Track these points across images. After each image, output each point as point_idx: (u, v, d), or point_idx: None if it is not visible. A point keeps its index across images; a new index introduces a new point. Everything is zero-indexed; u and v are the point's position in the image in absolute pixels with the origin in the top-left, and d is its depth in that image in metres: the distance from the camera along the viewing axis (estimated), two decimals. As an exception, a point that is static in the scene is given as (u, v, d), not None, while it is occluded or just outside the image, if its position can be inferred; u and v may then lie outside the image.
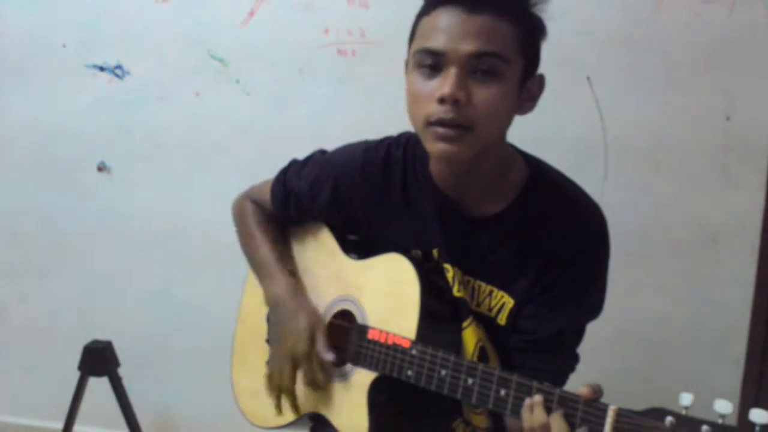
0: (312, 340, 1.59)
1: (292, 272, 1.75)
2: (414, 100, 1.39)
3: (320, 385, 1.59)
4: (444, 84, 1.33)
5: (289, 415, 1.69)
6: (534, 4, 1.40)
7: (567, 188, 1.52)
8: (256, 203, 1.82)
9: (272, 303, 1.71)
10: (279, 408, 1.67)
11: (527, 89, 1.42)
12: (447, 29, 1.33)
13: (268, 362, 1.73)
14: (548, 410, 1.23)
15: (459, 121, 1.34)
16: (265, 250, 1.76)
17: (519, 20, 1.36)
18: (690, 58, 2.28)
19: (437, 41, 1.34)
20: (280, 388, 1.65)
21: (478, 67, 1.33)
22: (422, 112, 1.37)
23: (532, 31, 1.39)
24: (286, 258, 1.77)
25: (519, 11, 1.36)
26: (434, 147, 1.37)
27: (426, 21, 1.37)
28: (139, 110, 2.66)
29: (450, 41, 1.33)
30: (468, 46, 1.32)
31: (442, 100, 1.33)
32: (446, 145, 1.36)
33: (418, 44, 1.38)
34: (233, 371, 1.88)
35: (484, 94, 1.34)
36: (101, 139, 2.71)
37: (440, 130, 1.35)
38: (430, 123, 1.35)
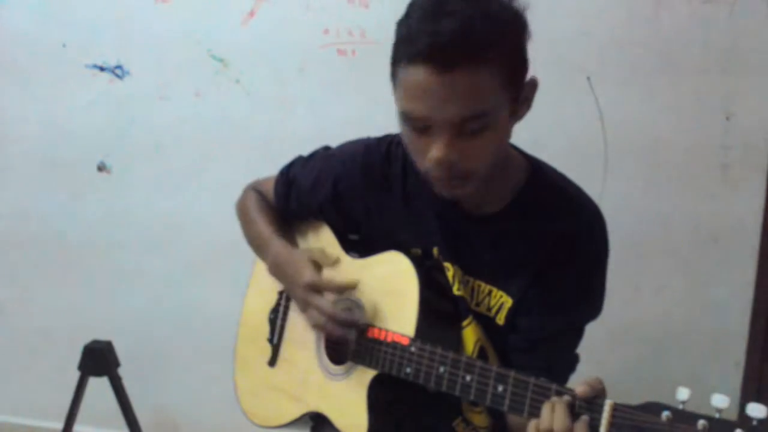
0: (315, 264, 1.59)
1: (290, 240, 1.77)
2: (409, 149, 1.39)
3: (348, 287, 1.58)
4: (434, 147, 1.31)
5: (290, 414, 1.70)
6: (506, 22, 1.31)
7: (566, 188, 1.51)
8: (259, 193, 1.84)
9: (273, 266, 1.71)
10: (345, 331, 1.56)
11: (520, 102, 1.38)
12: (425, 94, 1.27)
13: (272, 349, 1.74)
14: (574, 414, 1.21)
15: (457, 175, 1.34)
16: (263, 226, 1.76)
17: (495, 57, 1.26)
18: (690, 58, 2.28)
19: (418, 108, 1.29)
20: (326, 317, 1.55)
21: (465, 127, 1.29)
22: (420, 163, 1.37)
23: (512, 59, 1.31)
24: (284, 233, 1.77)
25: (493, 47, 1.26)
26: (439, 190, 1.39)
27: (403, 75, 1.30)
28: (139, 110, 2.67)
29: (431, 109, 1.28)
30: (451, 112, 1.27)
31: (436, 162, 1.33)
32: (450, 190, 1.38)
33: (400, 101, 1.33)
34: (235, 371, 1.88)
35: (476, 146, 1.31)
36: (101, 139, 2.71)
37: (441, 180, 1.36)
38: (429, 173, 1.36)
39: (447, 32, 1.22)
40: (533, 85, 1.39)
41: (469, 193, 1.39)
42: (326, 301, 1.55)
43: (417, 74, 1.26)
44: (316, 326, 1.57)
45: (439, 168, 1.33)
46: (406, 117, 1.32)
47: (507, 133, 1.39)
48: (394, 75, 1.33)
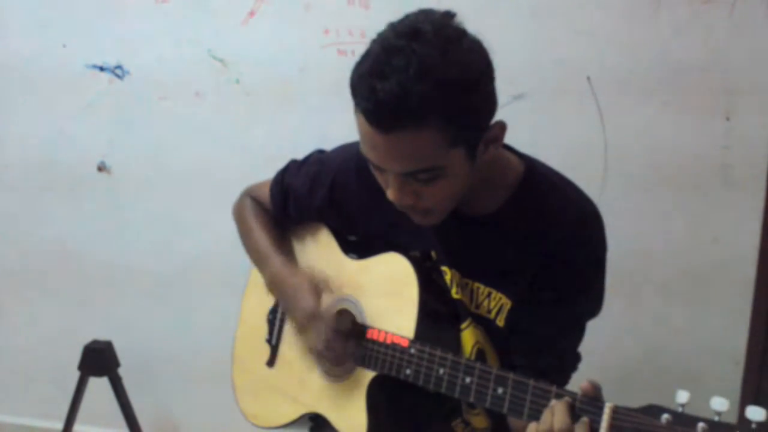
0: (318, 295, 1.59)
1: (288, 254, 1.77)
2: (375, 177, 1.41)
3: (344, 335, 1.57)
4: (389, 189, 1.35)
5: (289, 415, 1.70)
6: (453, 76, 1.25)
7: (562, 187, 1.51)
8: (256, 200, 1.83)
9: (272, 284, 1.71)
10: (344, 360, 1.59)
11: (482, 147, 1.36)
12: (371, 146, 1.30)
13: (269, 364, 1.74)
14: (574, 415, 1.21)
15: (417, 210, 1.38)
16: (261, 238, 1.76)
17: (436, 119, 1.24)
18: (690, 58, 2.27)
19: (368, 154, 1.33)
20: (324, 347, 1.58)
21: (416, 176, 1.31)
22: (386, 192, 1.38)
23: (460, 115, 1.27)
24: (281, 244, 1.77)
25: (432, 110, 1.24)
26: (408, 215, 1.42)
27: (357, 117, 1.31)
28: (139, 110, 2.67)
29: (379, 159, 1.32)
30: (395, 167, 1.30)
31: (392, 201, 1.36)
32: (417, 219, 1.42)
33: (359, 137, 1.34)
34: (233, 372, 1.88)
35: (430, 191, 1.34)
36: (101, 139, 2.71)
37: (403, 211, 1.40)
38: None
39: (385, 96, 1.22)
40: (501, 127, 1.37)
41: (436, 222, 1.43)
42: (325, 329, 1.56)
43: (363, 125, 1.29)
44: (313, 351, 1.60)
45: (397, 206, 1.38)
46: (364, 154, 1.35)
47: (466, 175, 1.36)
48: (354, 112, 1.33)
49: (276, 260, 1.71)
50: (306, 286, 1.60)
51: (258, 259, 1.78)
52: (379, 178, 1.39)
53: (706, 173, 2.33)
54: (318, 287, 1.61)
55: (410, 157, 1.28)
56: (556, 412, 1.21)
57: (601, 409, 1.17)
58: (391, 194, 1.34)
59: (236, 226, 1.87)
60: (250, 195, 1.85)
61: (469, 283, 1.53)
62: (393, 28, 1.30)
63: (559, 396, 1.23)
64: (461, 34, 1.29)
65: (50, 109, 2.72)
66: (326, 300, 1.60)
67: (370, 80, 1.24)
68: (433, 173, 1.30)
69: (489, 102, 1.33)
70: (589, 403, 1.19)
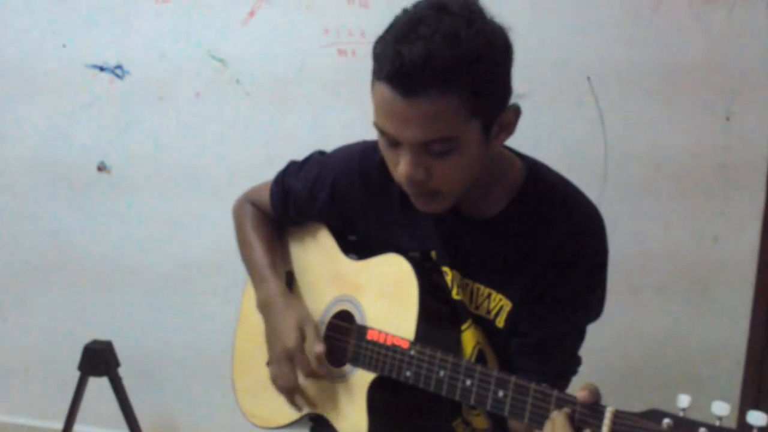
0: (302, 334, 1.59)
1: (290, 274, 1.77)
2: (385, 159, 1.41)
3: (319, 376, 1.59)
4: (401, 162, 1.34)
5: (289, 415, 1.70)
6: (477, 56, 1.26)
7: (564, 189, 1.51)
8: (255, 205, 1.82)
9: (263, 306, 1.71)
10: (295, 404, 1.65)
11: (496, 129, 1.37)
12: (390, 114, 1.30)
13: (268, 364, 1.73)
14: (574, 425, 1.21)
15: (425, 191, 1.37)
16: (260, 254, 1.76)
17: (461, 85, 1.26)
18: (690, 58, 2.27)
19: (385, 125, 1.32)
20: (286, 387, 1.64)
21: (431, 148, 1.31)
22: (393, 175, 1.39)
23: (482, 87, 1.28)
24: (280, 262, 1.78)
25: (458, 75, 1.25)
26: (415, 204, 1.42)
27: (374, 90, 1.33)
28: (139, 110, 2.67)
29: (395, 128, 1.31)
30: (412, 135, 1.29)
31: (404, 177, 1.35)
32: (422, 206, 1.41)
33: (374, 113, 1.35)
34: (234, 372, 1.88)
35: (443, 167, 1.33)
36: (101, 138, 2.71)
37: (413, 195, 1.39)
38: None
39: (411, 58, 1.23)
40: (515, 112, 1.38)
41: (441, 208, 1.42)
42: (296, 370, 1.60)
43: (384, 93, 1.28)
44: (276, 387, 1.65)
45: (407, 183, 1.36)
46: (377, 129, 1.35)
47: (478, 157, 1.36)
48: (371, 86, 1.34)
49: (273, 285, 1.71)
50: (293, 323, 1.61)
51: (254, 275, 1.78)
52: (390, 157, 1.38)
53: (706, 173, 2.33)
54: (304, 322, 1.61)
55: (430, 123, 1.27)
56: (557, 424, 1.21)
57: (602, 413, 1.17)
58: (402, 168, 1.33)
59: (234, 230, 1.86)
60: (250, 200, 1.84)
61: (469, 284, 1.53)
62: (418, 3, 1.32)
63: (560, 400, 1.23)
64: (484, 12, 1.32)
65: (50, 109, 2.72)
66: (310, 334, 1.60)
67: (396, 45, 1.25)
68: (449, 144, 1.30)
69: (508, 81, 1.35)
70: (590, 408, 1.19)
